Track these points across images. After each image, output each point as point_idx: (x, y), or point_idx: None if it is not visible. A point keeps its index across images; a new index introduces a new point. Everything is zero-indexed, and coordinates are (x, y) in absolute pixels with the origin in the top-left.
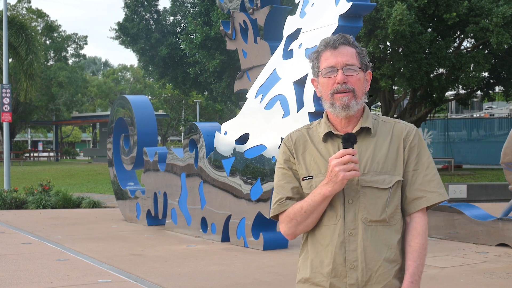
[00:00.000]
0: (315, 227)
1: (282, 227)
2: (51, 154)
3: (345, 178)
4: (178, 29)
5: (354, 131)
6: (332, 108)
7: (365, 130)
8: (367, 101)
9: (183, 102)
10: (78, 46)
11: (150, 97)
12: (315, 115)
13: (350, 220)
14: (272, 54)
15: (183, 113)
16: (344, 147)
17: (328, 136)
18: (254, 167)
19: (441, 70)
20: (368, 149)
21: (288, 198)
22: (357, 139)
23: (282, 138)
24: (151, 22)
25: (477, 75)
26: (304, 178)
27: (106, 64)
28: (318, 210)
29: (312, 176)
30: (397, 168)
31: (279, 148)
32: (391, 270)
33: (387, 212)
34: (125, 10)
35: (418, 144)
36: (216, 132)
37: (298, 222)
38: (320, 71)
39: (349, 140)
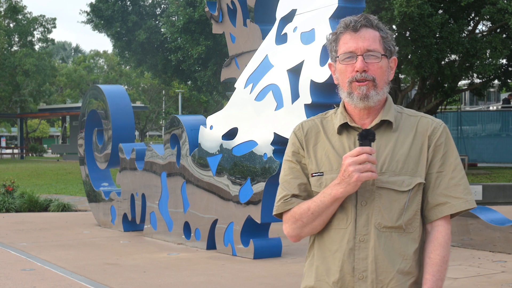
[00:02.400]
0: (324, 230)
1: (286, 228)
2: (15, 151)
3: (359, 180)
4: (158, 11)
5: (373, 124)
6: (349, 98)
7: (386, 124)
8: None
9: (163, 92)
10: (45, 29)
11: (126, 87)
12: (312, 107)
13: (362, 224)
14: (263, 38)
15: (163, 105)
16: (360, 145)
17: (344, 127)
18: (244, 165)
19: (453, 56)
20: (387, 145)
21: (294, 195)
22: (375, 135)
23: (275, 133)
24: (128, 3)
25: (493, 62)
26: (314, 175)
27: (77, 50)
28: (327, 213)
29: (322, 173)
30: (419, 168)
31: (271, 144)
32: (405, 284)
33: (404, 218)
34: None
35: (445, 143)
36: (201, 126)
37: (303, 224)
38: (338, 56)
39: (366, 138)
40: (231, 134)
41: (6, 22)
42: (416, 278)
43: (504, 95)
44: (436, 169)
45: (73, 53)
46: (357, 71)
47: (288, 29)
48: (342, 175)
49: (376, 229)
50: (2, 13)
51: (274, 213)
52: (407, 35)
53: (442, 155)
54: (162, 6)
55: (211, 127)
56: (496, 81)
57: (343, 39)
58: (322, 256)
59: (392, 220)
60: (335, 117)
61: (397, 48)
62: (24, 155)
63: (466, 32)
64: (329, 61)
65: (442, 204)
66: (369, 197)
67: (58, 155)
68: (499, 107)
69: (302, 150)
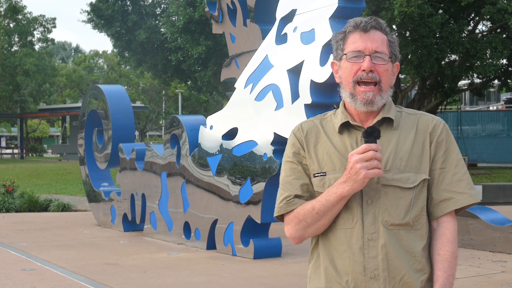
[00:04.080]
0: (328, 231)
1: (288, 229)
2: (15, 151)
3: (367, 177)
4: (158, 11)
5: (374, 121)
6: (352, 99)
7: (387, 122)
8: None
9: (163, 92)
10: (45, 29)
11: (126, 87)
12: (312, 107)
13: (370, 223)
14: (263, 38)
15: (163, 105)
16: (366, 142)
17: (345, 127)
18: (244, 165)
19: (453, 56)
20: (390, 143)
21: (296, 196)
22: (381, 133)
23: (275, 133)
24: (128, 3)
25: (494, 62)
26: (316, 175)
27: (77, 50)
28: (332, 212)
29: (325, 173)
30: (422, 165)
31: (271, 144)
32: (417, 280)
33: (411, 214)
34: None
35: (446, 139)
36: (201, 126)
37: (308, 224)
38: (345, 54)
39: (372, 134)
40: (231, 134)
41: (6, 22)
42: (429, 275)
43: (505, 95)
44: (438, 165)
45: (73, 53)
46: (364, 70)
47: (288, 29)
48: (348, 173)
49: (384, 227)
50: (2, 13)
51: (275, 214)
52: (407, 35)
53: (444, 151)
54: (162, 6)
55: (211, 127)
56: (496, 81)
57: (352, 38)
58: (329, 257)
59: (399, 217)
60: (335, 117)
61: (399, 55)
62: (24, 155)
63: (466, 32)
64: (332, 59)
65: (446, 200)
66: (375, 195)
67: (59, 155)
68: (500, 107)
69: (303, 150)
